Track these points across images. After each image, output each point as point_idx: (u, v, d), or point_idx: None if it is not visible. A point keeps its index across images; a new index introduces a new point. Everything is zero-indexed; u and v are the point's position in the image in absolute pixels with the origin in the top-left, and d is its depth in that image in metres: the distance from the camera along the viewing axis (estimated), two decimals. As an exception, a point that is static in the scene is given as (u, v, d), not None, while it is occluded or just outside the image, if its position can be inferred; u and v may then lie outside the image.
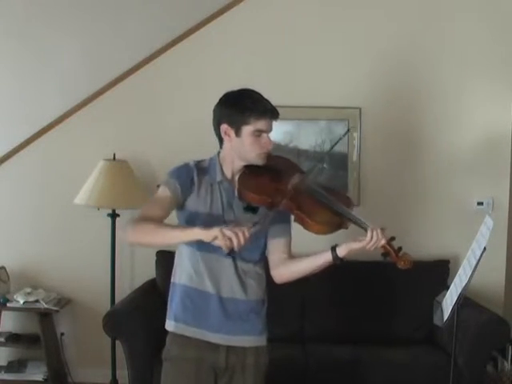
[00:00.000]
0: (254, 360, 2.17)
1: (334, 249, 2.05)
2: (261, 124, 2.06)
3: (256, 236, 2.08)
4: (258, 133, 2.07)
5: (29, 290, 3.90)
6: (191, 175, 2.12)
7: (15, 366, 3.96)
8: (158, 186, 2.14)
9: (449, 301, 2.54)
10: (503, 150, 3.98)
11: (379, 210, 4.00)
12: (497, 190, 3.98)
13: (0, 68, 3.76)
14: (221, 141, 2.16)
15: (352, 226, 2.07)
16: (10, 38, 3.59)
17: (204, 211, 2.10)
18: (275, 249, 2.19)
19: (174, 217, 2.17)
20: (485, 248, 2.37)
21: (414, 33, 3.95)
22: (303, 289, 3.77)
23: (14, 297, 3.83)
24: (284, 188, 2.07)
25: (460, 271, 2.58)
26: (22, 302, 3.80)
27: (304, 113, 3.96)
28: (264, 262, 2.23)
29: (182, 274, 2.17)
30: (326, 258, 2.06)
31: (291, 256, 2.20)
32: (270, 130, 2.10)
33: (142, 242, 2.04)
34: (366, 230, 2.01)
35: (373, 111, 3.97)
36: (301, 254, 2.19)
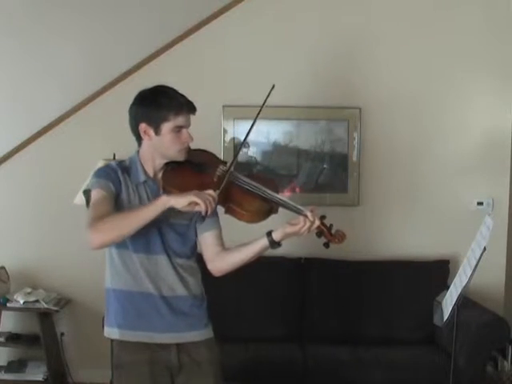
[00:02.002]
0: (206, 354, 2.17)
1: (269, 234, 2.04)
2: (180, 120, 2.07)
3: (183, 230, 2.13)
4: (178, 129, 2.08)
5: (29, 290, 3.90)
6: (117, 175, 2.11)
7: (15, 366, 3.96)
8: (87, 191, 2.13)
9: (449, 301, 2.54)
10: (503, 150, 3.98)
11: (379, 210, 4.01)
12: (497, 190, 3.98)
13: (0, 68, 3.76)
14: (139, 140, 2.15)
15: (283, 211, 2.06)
16: (10, 39, 3.59)
17: None
18: (208, 243, 2.19)
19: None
20: (485, 248, 2.37)
21: (415, 33, 3.95)
22: (303, 289, 3.78)
23: (14, 297, 3.83)
24: (209, 181, 2.06)
25: (460, 271, 2.58)
26: (21, 302, 3.80)
27: (304, 113, 3.96)
28: (196, 256, 2.23)
29: (117, 278, 2.15)
30: (262, 244, 2.06)
31: (225, 247, 2.20)
32: (188, 124, 2.11)
33: (111, 236, 1.95)
34: (296, 213, 2.01)
35: (373, 111, 3.97)
36: (236, 243, 2.18)
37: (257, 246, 2.08)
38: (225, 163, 2.18)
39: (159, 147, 2.10)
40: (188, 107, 2.09)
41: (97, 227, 1.93)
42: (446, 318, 2.51)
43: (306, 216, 1.98)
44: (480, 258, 2.39)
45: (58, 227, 4.05)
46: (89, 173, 3.73)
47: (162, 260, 2.12)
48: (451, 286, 2.60)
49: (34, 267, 4.07)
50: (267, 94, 2.12)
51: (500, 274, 3.99)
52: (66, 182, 3.97)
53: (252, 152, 3.97)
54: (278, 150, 3.95)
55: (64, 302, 3.97)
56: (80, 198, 3.71)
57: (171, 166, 2.13)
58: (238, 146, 3.90)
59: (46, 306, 3.80)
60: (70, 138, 4.05)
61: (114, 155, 3.86)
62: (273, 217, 2.09)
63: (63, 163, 4.05)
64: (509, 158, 3.97)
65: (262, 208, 2.05)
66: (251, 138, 3.97)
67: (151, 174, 2.15)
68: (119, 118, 3.99)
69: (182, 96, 2.11)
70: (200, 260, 2.22)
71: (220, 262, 2.17)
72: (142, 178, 2.12)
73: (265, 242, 2.05)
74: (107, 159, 3.80)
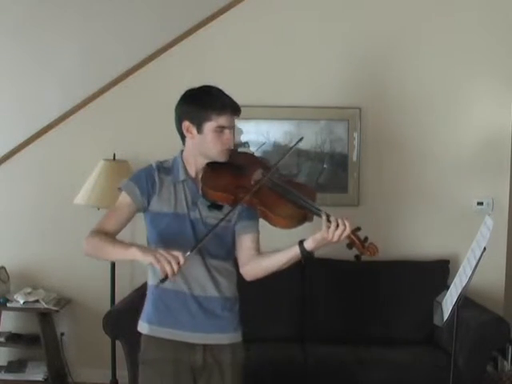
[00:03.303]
0: (231, 357, 2.17)
1: (301, 243, 2.03)
2: (222, 120, 2.07)
3: (221, 232, 2.10)
4: (220, 129, 2.07)
5: (29, 290, 3.90)
6: (152, 176, 2.12)
7: (15, 365, 3.96)
8: (119, 189, 2.15)
9: (449, 301, 2.54)
10: (503, 150, 3.97)
11: (379, 210, 4.00)
12: (497, 190, 3.97)
13: (0, 68, 3.76)
14: (183, 139, 2.16)
15: (319, 220, 2.03)
16: (10, 39, 3.59)
17: (169, 211, 2.09)
18: (243, 245, 2.18)
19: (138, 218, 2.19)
20: (485, 248, 2.37)
21: (415, 33, 3.95)
22: (303, 289, 3.78)
23: (14, 297, 3.83)
24: (246, 184, 2.06)
25: (460, 271, 2.58)
26: (21, 302, 3.80)
27: (304, 113, 3.96)
28: (234, 259, 2.22)
29: (153, 275, 2.16)
30: (294, 252, 2.04)
31: (260, 252, 2.18)
32: (231, 125, 2.10)
33: (94, 256, 2.06)
34: (329, 221, 1.98)
35: (373, 111, 3.97)
36: (271, 249, 2.17)
37: (289, 254, 2.06)
38: (267, 168, 2.16)
39: (201, 146, 2.10)
40: (232, 108, 2.09)
41: (89, 240, 2.03)
42: (445, 318, 2.51)
43: (339, 221, 1.95)
44: (480, 258, 2.39)
45: (58, 227, 4.06)
46: (89, 173, 3.75)
47: (195, 259, 2.10)
48: (451, 286, 2.60)
49: (34, 267, 4.07)
50: (294, 144, 2.10)
51: (500, 274, 3.98)
52: (65, 182, 3.97)
53: (252, 152, 3.97)
54: (278, 149, 3.95)
55: (64, 302, 3.97)
56: (80, 198, 3.72)
57: (212, 167, 2.12)
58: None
59: (45, 306, 3.81)
60: (70, 138, 4.05)
61: (114, 155, 3.86)
62: (310, 226, 2.06)
63: (63, 163, 4.05)
64: (509, 157, 3.97)
65: (294, 214, 2.02)
66: (251, 137, 3.98)
67: (193, 173, 2.15)
68: (119, 118, 4.07)
69: (227, 97, 2.10)
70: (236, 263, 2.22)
71: (253, 267, 2.16)
72: (182, 176, 2.14)
73: (296, 250, 2.03)
74: (107, 159, 3.81)
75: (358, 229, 2.00)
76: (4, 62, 3.73)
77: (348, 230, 1.95)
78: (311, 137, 3.98)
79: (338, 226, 1.94)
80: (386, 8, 3.95)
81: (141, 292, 3.71)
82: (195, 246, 1.96)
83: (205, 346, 2.14)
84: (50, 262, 4.06)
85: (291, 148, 2.13)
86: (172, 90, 4.02)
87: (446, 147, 3.99)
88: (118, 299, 3.72)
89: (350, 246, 2.00)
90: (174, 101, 4.33)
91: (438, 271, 3.82)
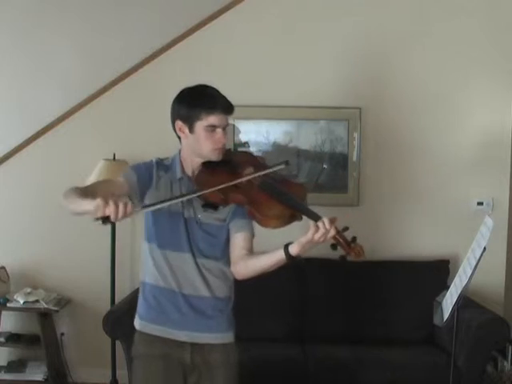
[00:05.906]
0: (222, 358, 2.16)
1: (286, 247, 1.96)
2: (212, 119, 2.06)
3: (215, 231, 2.10)
4: (211, 128, 2.07)
5: (29, 290, 3.90)
6: (150, 171, 2.14)
7: (15, 366, 3.96)
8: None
9: (449, 301, 2.55)
10: (503, 150, 3.97)
11: (379, 210, 4.01)
12: (497, 190, 3.98)
13: (0, 68, 3.76)
14: (179, 138, 2.17)
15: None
16: (10, 39, 3.59)
17: (163, 208, 2.06)
18: (235, 244, 2.15)
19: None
20: (485, 248, 2.38)
21: (415, 33, 3.95)
22: (303, 289, 3.78)
23: (14, 297, 3.83)
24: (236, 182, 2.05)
25: (460, 271, 2.58)
26: (21, 302, 3.80)
27: (304, 113, 3.96)
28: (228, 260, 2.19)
29: (146, 272, 2.17)
30: (279, 256, 1.97)
31: (251, 252, 2.14)
32: (223, 124, 2.09)
33: (66, 207, 1.93)
34: (314, 221, 1.90)
35: (373, 111, 3.97)
36: (265, 250, 2.11)
37: (274, 257, 2.00)
38: (261, 166, 2.14)
39: (194, 146, 2.11)
40: (222, 107, 2.07)
41: (67, 191, 1.96)
42: (445, 318, 2.51)
43: (321, 223, 1.86)
44: (480, 258, 2.39)
45: (58, 227, 4.05)
46: (89, 173, 3.75)
47: (187, 258, 2.11)
48: (451, 286, 2.60)
49: (33, 267, 4.07)
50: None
51: (500, 274, 3.98)
52: (65, 182, 3.88)
53: (252, 151, 3.97)
54: (278, 149, 3.96)
55: (64, 302, 3.97)
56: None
57: (205, 166, 2.13)
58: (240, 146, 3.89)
59: (45, 306, 3.81)
60: (70, 137, 4.05)
61: (114, 155, 3.86)
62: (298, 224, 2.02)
63: (63, 163, 4.05)
64: (509, 157, 3.97)
65: (281, 214, 1.99)
66: (251, 137, 3.98)
67: (189, 172, 2.16)
68: (119, 117, 4.07)
69: (220, 96, 2.09)
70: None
71: (241, 266, 2.13)
72: (179, 175, 2.14)
73: (282, 254, 1.97)
74: (107, 159, 3.81)
75: (346, 229, 1.92)
76: (4, 63, 3.73)
77: (332, 232, 1.87)
78: (311, 137, 3.98)
79: (318, 227, 1.86)
80: (387, 9, 3.95)
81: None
82: (148, 205, 1.98)
83: (193, 345, 2.14)
84: (49, 262, 4.06)
85: (274, 166, 2.11)
86: (172, 91, 4.02)
87: (446, 147, 3.99)
88: (118, 299, 3.73)
89: (335, 246, 1.92)
90: (174, 101, 4.25)
91: (438, 271, 3.82)
